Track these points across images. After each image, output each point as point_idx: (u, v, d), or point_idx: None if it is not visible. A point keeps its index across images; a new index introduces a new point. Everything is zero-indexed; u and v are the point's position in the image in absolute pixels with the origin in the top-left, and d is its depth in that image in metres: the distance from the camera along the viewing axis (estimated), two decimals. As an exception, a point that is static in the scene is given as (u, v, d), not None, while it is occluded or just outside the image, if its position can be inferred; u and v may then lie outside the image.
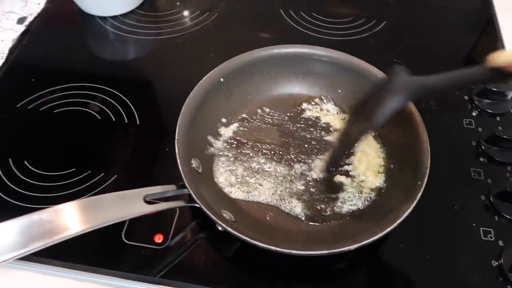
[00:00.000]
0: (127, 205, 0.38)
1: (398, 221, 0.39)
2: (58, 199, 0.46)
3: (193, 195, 0.40)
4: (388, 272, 0.43)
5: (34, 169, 0.49)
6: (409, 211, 0.39)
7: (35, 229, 0.33)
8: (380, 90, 0.40)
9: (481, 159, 0.51)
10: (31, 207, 0.46)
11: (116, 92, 0.57)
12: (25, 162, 0.50)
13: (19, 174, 0.49)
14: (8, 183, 0.48)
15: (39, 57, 0.63)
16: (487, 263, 0.43)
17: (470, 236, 0.45)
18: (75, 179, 0.49)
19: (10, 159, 0.50)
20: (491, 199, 0.47)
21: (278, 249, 0.38)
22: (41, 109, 0.55)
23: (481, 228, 0.45)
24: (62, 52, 0.64)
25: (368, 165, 0.49)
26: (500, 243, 0.44)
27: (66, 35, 0.66)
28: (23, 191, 0.47)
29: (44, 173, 0.49)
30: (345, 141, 0.46)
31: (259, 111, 0.54)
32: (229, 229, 0.39)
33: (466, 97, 0.56)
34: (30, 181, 0.48)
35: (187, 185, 0.41)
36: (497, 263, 0.43)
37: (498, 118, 0.54)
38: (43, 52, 0.64)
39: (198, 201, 0.40)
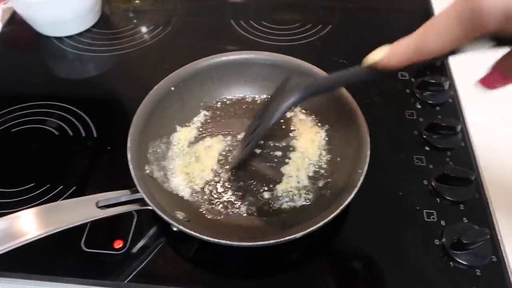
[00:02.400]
0: (80, 210, 0.39)
1: (341, 208, 0.41)
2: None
3: (145, 197, 0.42)
4: (341, 256, 0.45)
5: (-8, 187, 0.50)
6: (350, 197, 0.41)
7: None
8: (276, 96, 0.44)
9: (423, 147, 0.54)
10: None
11: (73, 108, 0.58)
12: (-17, 180, 0.51)
13: (-23, 193, 0.50)
14: (-34, 202, 0.49)
15: (-3, 80, 0.64)
16: (431, 242, 0.45)
17: (414, 219, 0.47)
18: (35, 193, 0.50)
19: (-32, 180, 0.51)
20: (433, 183, 0.50)
21: (228, 242, 0.39)
22: (-1, 129, 0.56)
23: (424, 211, 0.48)
24: (19, 73, 0.65)
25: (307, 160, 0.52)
26: (442, 223, 0.47)
27: (23, 57, 0.68)
28: (-19, 209, 0.48)
29: (3, 190, 0.50)
30: (248, 141, 0.49)
31: (212, 115, 0.56)
32: (181, 227, 0.40)
33: (407, 90, 0.60)
34: (-11, 198, 0.49)
35: (139, 189, 0.42)
36: (440, 242, 0.45)
37: (437, 108, 0.58)
38: (1, 74, 0.65)
39: (150, 203, 0.41)
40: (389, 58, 0.31)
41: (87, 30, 0.70)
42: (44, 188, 0.50)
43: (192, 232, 0.40)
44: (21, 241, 0.35)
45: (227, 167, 0.51)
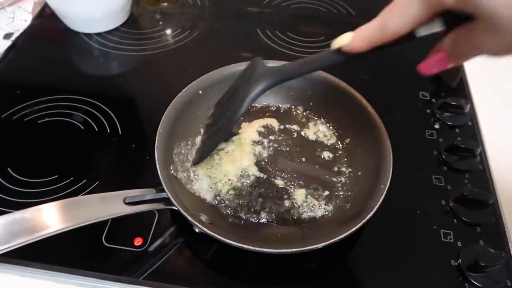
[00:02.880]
0: (107, 205, 0.40)
1: (362, 222, 0.41)
2: (41, 204, 0.47)
3: (171, 197, 0.42)
4: (356, 271, 0.46)
5: (17, 176, 0.51)
6: (372, 212, 0.42)
7: (17, 226, 0.34)
8: (242, 82, 0.44)
9: (442, 167, 0.55)
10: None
11: (100, 104, 0.59)
12: (9, 169, 0.51)
13: (2, 181, 0.50)
14: (-9, 189, 0.49)
15: (25, 71, 0.65)
16: (447, 263, 0.46)
17: (431, 238, 0.48)
18: (58, 185, 0.50)
19: (-7, 167, 0.52)
20: (451, 204, 0.50)
21: (250, 247, 0.40)
22: (25, 120, 0.57)
23: (441, 231, 0.48)
24: (47, 66, 0.66)
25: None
26: (459, 244, 0.47)
27: (51, 51, 0.69)
28: (6, 197, 0.49)
29: (28, 179, 0.51)
30: (214, 133, 0.48)
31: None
32: (205, 229, 0.41)
33: (428, 110, 0.61)
34: (14, 187, 0.50)
35: (165, 188, 0.43)
36: (456, 263, 0.46)
37: (457, 130, 0.59)
38: (29, 66, 0.66)
39: (176, 204, 0.42)
40: (354, 40, 0.33)
41: (116, 29, 0.71)
42: (68, 181, 0.51)
43: (216, 235, 0.40)
44: (48, 233, 0.35)
45: (249, 172, 0.52)
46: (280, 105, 0.59)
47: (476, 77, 0.67)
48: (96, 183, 0.51)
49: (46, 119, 0.58)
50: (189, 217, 0.41)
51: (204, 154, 0.50)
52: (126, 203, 0.41)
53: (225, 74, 0.56)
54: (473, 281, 0.44)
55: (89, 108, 0.59)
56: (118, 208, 0.40)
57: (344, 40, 0.34)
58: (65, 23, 0.70)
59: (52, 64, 0.67)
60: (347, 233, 0.41)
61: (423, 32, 0.31)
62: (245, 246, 0.40)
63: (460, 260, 0.46)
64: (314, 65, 0.40)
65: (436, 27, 0.31)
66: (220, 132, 0.47)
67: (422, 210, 0.50)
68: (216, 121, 0.49)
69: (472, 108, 0.62)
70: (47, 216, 0.36)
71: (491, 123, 0.60)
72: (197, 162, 0.51)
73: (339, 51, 0.35)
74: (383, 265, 0.46)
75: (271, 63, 0.48)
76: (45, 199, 0.49)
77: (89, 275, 0.44)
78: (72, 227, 0.36)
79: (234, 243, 0.40)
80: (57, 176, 0.51)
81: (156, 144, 0.47)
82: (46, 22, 0.73)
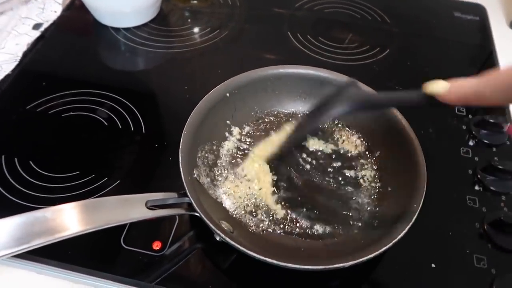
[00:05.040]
0: (129, 208, 0.39)
1: (393, 242, 0.39)
2: (60, 200, 0.46)
3: (194, 203, 0.41)
4: (381, 291, 0.44)
5: (38, 170, 0.50)
6: (404, 232, 0.40)
7: (38, 226, 0.33)
8: (332, 98, 0.45)
9: (477, 188, 0.52)
10: (33, 207, 0.46)
11: (124, 101, 0.58)
12: (31, 162, 0.51)
13: (23, 174, 0.50)
14: (13, 182, 0.49)
15: (51, 62, 0.65)
16: (481, 290, 0.43)
17: (463, 263, 0.45)
18: (79, 182, 0.49)
19: (16, 159, 0.51)
20: (485, 227, 0.48)
21: (274, 261, 0.38)
22: (49, 112, 0.57)
23: (474, 255, 0.46)
24: (74, 59, 0.65)
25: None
26: (493, 271, 0.45)
27: (79, 43, 0.68)
28: (26, 191, 0.48)
29: (48, 174, 0.50)
30: (295, 138, 0.50)
31: (262, 126, 0.55)
32: (227, 239, 0.39)
33: (464, 127, 0.58)
34: (34, 181, 0.49)
35: (188, 193, 0.41)
36: (490, 291, 0.43)
37: (494, 149, 0.56)
38: (56, 58, 0.65)
39: (198, 210, 0.41)
40: (450, 94, 0.34)
41: (144, 24, 0.70)
42: (89, 178, 0.50)
43: (239, 246, 0.39)
44: (69, 234, 0.34)
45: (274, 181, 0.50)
46: (308, 112, 0.57)
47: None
48: (117, 182, 0.49)
49: (71, 113, 0.57)
50: (211, 225, 0.40)
51: (279, 156, 0.50)
52: (148, 207, 0.40)
53: (253, 77, 0.54)
54: (509, 313, 0.42)
55: (113, 104, 0.58)
56: (140, 212, 0.39)
57: (439, 88, 0.34)
58: (95, 16, 0.70)
59: (79, 57, 0.66)
60: (376, 253, 0.39)
61: None
62: (269, 260, 0.38)
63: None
64: (398, 101, 0.41)
65: None
66: (297, 137, 0.49)
67: (454, 232, 0.48)
68: (297, 130, 0.50)
69: None
70: (68, 216, 0.35)
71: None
72: (270, 159, 0.51)
73: (430, 96, 0.35)
74: (410, 286, 0.44)
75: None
76: (65, 195, 0.48)
77: (106, 277, 0.43)
78: (93, 229, 0.35)
79: (257, 256, 0.38)
80: (78, 172, 0.50)
81: (180, 147, 0.45)
82: (76, 14, 0.72)
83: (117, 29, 0.70)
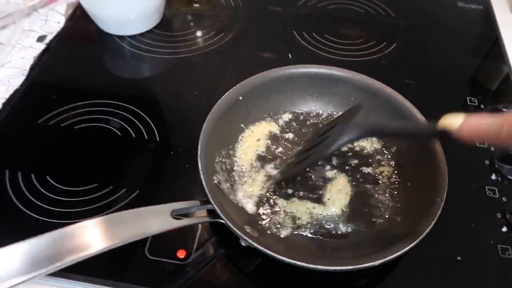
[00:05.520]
0: (155, 220, 0.38)
1: (420, 237, 0.39)
2: (80, 214, 0.47)
3: (218, 210, 0.41)
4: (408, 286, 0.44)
5: (56, 184, 0.50)
6: (430, 227, 0.40)
7: (68, 243, 0.33)
8: (341, 124, 0.45)
9: (494, 177, 0.52)
10: (54, 222, 0.46)
11: (136, 109, 0.58)
12: (47, 177, 0.50)
13: (41, 189, 0.49)
14: (31, 197, 0.48)
15: (59, 74, 0.64)
16: (506, 280, 0.43)
17: (488, 254, 0.45)
18: (97, 194, 0.49)
19: (32, 174, 0.50)
20: (507, 217, 0.48)
21: (301, 263, 0.38)
22: (62, 125, 0.56)
23: (499, 246, 0.46)
24: (81, 69, 0.65)
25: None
26: (518, 260, 0.45)
27: (85, 53, 0.68)
28: (46, 206, 0.47)
29: (66, 188, 0.49)
30: (298, 166, 0.48)
31: (277, 129, 0.55)
32: (254, 244, 0.39)
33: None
34: (53, 196, 0.49)
35: (211, 200, 0.41)
36: (516, 281, 0.43)
37: None
38: (63, 69, 0.65)
39: (224, 217, 0.40)
40: (464, 131, 0.32)
41: (149, 31, 0.70)
42: (107, 190, 0.49)
43: (266, 250, 0.39)
44: (100, 249, 0.34)
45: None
46: (321, 112, 0.57)
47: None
48: (137, 192, 0.49)
49: (83, 124, 0.56)
50: (237, 231, 0.40)
51: (289, 176, 0.50)
52: (173, 217, 0.40)
53: (265, 79, 0.54)
54: (537, 301, 0.42)
55: (125, 114, 0.57)
56: (167, 223, 0.39)
57: (453, 124, 0.33)
58: (98, 25, 0.69)
59: (86, 67, 0.65)
60: (404, 250, 0.39)
61: None
62: (297, 263, 0.38)
63: (521, 278, 0.43)
64: (412, 133, 0.41)
65: None
66: (307, 161, 0.47)
67: (476, 224, 0.48)
68: (308, 150, 0.49)
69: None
70: (98, 231, 0.35)
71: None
72: (279, 181, 0.50)
73: (444, 131, 0.34)
74: (436, 283, 0.44)
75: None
76: (85, 208, 0.47)
77: (133, 288, 0.43)
78: (122, 243, 0.35)
79: (284, 258, 0.38)
80: (96, 184, 0.50)
81: (199, 154, 0.45)
82: (79, 24, 0.72)
83: (121, 37, 0.69)
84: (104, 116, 0.57)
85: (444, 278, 0.44)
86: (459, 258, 0.45)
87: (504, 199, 0.50)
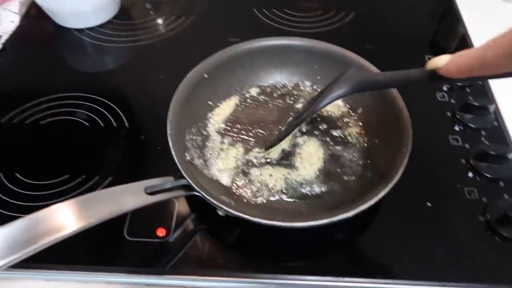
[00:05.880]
0: (129, 197, 0.39)
1: (391, 185, 0.41)
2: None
3: (192, 183, 0.41)
4: (384, 237, 0.45)
5: (27, 180, 0.49)
6: (399, 175, 0.41)
7: (42, 226, 0.33)
8: (333, 81, 0.44)
9: (457, 128, 0.54)
10: (29, 216, 0.45)
11: (102, 99, 0.57)
12: (17, 174, 0.50)
13: (12, 187, 0.48)
14: (3, 196, 0.47)
15: (19, 73, 0.63)
16: (475, 219, 0.46)
17: (456, 197, 0.48)
18: (70, 185, 0.49)
19: (0, 173, 0.50)
20: (471, 161, 0.50)
21: (279, 223, 0.39)
22: (26, 122, 0.55)
23: (465, 188, 0.48)
24: (42, 66, 0.64)
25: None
26: (484, 199, 0.47)
27: (44, 50, 0.67)
28: (19, 203, 0.47)
29: (38, 182, 0.49)
30: (295, 122, 0.49)
31: (243, 102, 0.56)
32: (231, 210, 0.40)
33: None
34: (24, 191, 0.48)
35: (184, 175, 0.42)
36: (484, 219, 0.46)
37: (468, 89, 0.58)
38: (22, 68, 0.64)
39: (197, 188, 0.41)
40: (450, 66, 0.32)
41: (108, 22, 0.69)
42: (80, 179, 0.49)
43: (243, 215, 0.39)
44: (75, 229, 0.34)
45: (262, 151, 0.51)
46: (287, 83, 0.58)
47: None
48: (110, 179, 0.49)
49: (48, 119, 0.56)
50: (213, 200, 0.40)
51: (278, 139, 0.50)
52: (147, 193, 0.40)
53: (229, 56, 0.54)
54: (503, 234, 0.44)
55: (91, 104, 0.57)
56: (141, 199, 0.39)
57: (440, 62, 0.33)
58: (55, 20, 0.68)
59: (47, 63, 0.64)
60: (376, 198, 0.40)
61: None
62: (274, 223, 0.39)
63: (488, 215, 0.45)
64: (403, 80, 0.39)
65: None
66: (295, 123, 0.48)
67: (443, 171, 0.50)
68: (298, 117, 0.49)
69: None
70: (71, 213, 0.35)
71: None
72: (270, 146, 0.50)
73: (433, 72, 0.34)
74: (411, 229, 0.45)
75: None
76: (60, 199, 0.47)
77: (117, 270, 0.42)
78: (98, 222, 0.35)
79: (262, 221, 0.39)
80: (68, 176, 0.49)
81: (168, 132, 0.45)
82: (35, 22, 0.70)
83: (80, 30, 0.68)
84: (69, 109, 0.57)
85: (417, 224, 0.46)
86: (429, 204, 0.47)
87: (467, 145, 0.52)
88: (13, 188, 0.48)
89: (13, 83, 0.61)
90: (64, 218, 0.34)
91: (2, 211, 0.46)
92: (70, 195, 0.48)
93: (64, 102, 0.57)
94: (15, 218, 0.43)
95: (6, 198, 0.47)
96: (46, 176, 0.50)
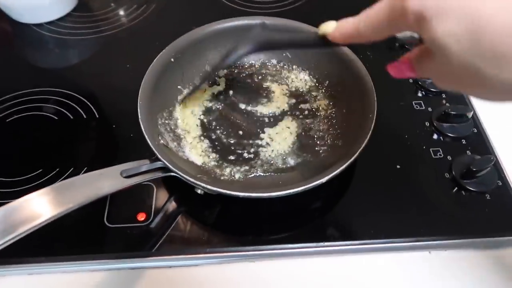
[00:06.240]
0: (105, 181, 0.39)
1: (359, 150, 0.42)
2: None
3: (168, 164, 0.41)
4: (359, 202, 0.47)
5: (-1, 178, 0.48)
6: (366, 140, 0.43)
7: (18, 215, 0.33)
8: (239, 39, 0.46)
9: (420, 94, 0.57)
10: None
11: (69, 92, 0.57)
12: (-13, 173, 0.49)
13: (-17, 186, 0.48)
14: (-26, 196, 0.47)
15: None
16: (442, 176, 0.48)
17: (423, 158, 0.50)
18: (44, 178, 0.48)
19: (-31, 174, 0.49)
20: (434, 123, 0.53)
21: (258, 194, 0.40)
22: (-8, 121, 0.54)
23: (430, 149, 0.51)
24: (2, 64, 0.62)
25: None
26: (449, 158, 0.50)
27: (4, 47, 0.65)
28: (-8, 200, 0.46)
29: (11, 179, 0.48)
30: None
31: (210, 83, 0.56)
32: (208, 186, 0.40)
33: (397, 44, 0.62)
34: (-2, 189, 0.47)
35: (159, 156, 0.42)
36: (450, 175, 0.48)
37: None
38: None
39: (174, 169, 0.41)
40: (335, 33, 0.35)
41: (68, 15, 0.68)
42: (54, 172, 0.49)
43: (221, 190, 0.40)
44: (53, 215, 0.34)
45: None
46: (253, 62, 0.59)
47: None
48: (85, 169, 0.49)
49: (14, 116, 0.54)
50: (190, 179, 0.41)
51: (192, 91, 0.53)
52: (124, 177, 0.40)
53: (194, 38, 0.54)
54: (469, 188, 0.47)
55: (58, 98, 0.56)
56: (117, 183, 0.39)
57: (328, 29, 0.35)
58: (11, 16, 0.66)
59: (6, 61, 0.63)
60: (348, 162, 0.42)
61: (401, 36, 0.31)
62: (253, 194, 0.40)
63: (453, 172, 0.48)
64: (300, 42, 0.42)
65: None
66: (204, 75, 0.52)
67: (409, 134, 0.52)
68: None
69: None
70: (47, 200, 0.35)
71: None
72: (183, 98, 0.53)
73: (323, 36, 0.36)
74: (383, 191, 0.48)
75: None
76: (34, 194, 0.47)
77: (100, 257, 0.43)
78: (76, 207, 0.35)
79: (241, 194, 0.40)
80: (41, 170, 0.49)
81: (140, 117, 0.45)
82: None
83: (39, 25, 0.66)
84: (36, 104, 0.56)
85: (389, 185, 0.48)
86: (398, 166, 0.49)
87: (429, 109, 0.55)
88: (-15, 187, 0.47)
89: (-26, 84, 0.59)
90: (41, 205, 0.34)
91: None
92: (46, 189, 0.47)
93: (29, 98, 0.56)
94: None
95: (-22, 198, 0.46)
96: (19, 172, 0.49)
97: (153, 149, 0.43)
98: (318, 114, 0.53)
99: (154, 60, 0.51)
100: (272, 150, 0.50)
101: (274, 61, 0.59)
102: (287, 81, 0.57)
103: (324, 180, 0.41)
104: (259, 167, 0.49)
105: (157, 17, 0.68)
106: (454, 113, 0.52)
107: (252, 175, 0.48)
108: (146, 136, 0.44)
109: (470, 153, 0.50)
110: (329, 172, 0.41)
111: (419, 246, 0.44)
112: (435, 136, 0.52)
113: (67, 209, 0.35)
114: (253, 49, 0.44)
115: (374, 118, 0.45)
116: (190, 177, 0.41)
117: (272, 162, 0.49)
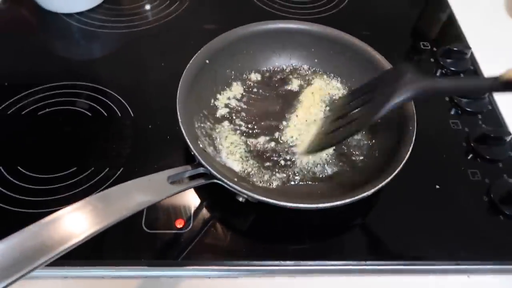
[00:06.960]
0: (154, 188, 0.37)
1: (403, 162, 0.42)
2: (64, 200, 0.44)
3: (213, 171, 0.41)
4: (394, 219, 0.47)
5: (31, 174, 0.47)
6: (409, 152, 0.43)
7: (59, 229, 0.31)
8: (387, 84, 0.42)
9: (456, 112, 0.56)
10: (38, 212, 0.43)
11: (103, 88, 0.55)
12: (19, 167, 0.47)
13: (15, 181, 0.46)
14: (6, 192, 0.45)
15: (7, 61, 0.59)
16: (480, 199, 0.48)
17: (461, 179, 0.50)
18: (79, 178, 0.47)
19: (1, 168, 0.47)
20: (472, 144, 0.53)
21: (307, 205, 0.39)
22: (23, 113, 0.52)
23: (469, 170, 0.50)
24: (31, 53, 0.60)
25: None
26: (487, 180, 0.50)
27: (32, 36, 0.63)
28: (26, 198, 0.45)
29: (43, 176, 0.47)
30: (334, 127, 0.47)
31: (244, 87, 0.55)
32: (251, 194, 0.40)
33: (432, 59, 0.62)
34: (31, 186, 0.46)
35: (203, 162, 0.41)
36: (487, 198, 0.48)
37: (461, 75, 0.61)
38: (10, 55, 0.60)
39: (219, 176, 0.40)
40: None
41: (98, 6, 0.66)
42: (89, 171, 0.47)
43: (265, 199, 0.39)
44: (103, 226, 0.33)
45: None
46: (285, 67, 0.58)
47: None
48: (121, 170, 0.47)
49: (47, 109, 0.53)
50: (234, 185, 0.40)
51: (328, 144, 0.48)
52: (169, 183, 0.39)
53: (229, 40, 0.54)
54: (506, 212, 0.47)
55: (92, 93, 0.55)
56: (166, 189, 0.38)
57: None
58: (41, 4, 0.64)
59: (36, 50, 0.61)
60: (391, 176, 0.41)
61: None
62: (302, 206, 0.39)
63: (492, 195, 0.48)
64: (472, 88, 0.40)
65: None
66: (352, 125, 0.45)
67: (447, 154, 0.52)
68: (341, 117, 0.47)
69: (472, 55, 0.64)
70: (94, 211, 0.33)
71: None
72: (313, 151, 0.49)
73: (507, 82, 0.35)
74: (419, 210, 0.47)
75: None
76: (69, 193, 0.45)
77: (137, 263, 0.42)
78: (129, 215, 0.34)
79: (290, 204, 0.39)
80: (75, 168, 0.47)
81: (180, 120, 0.44)
82: (17, 6, 0.66)
83: (69, 15, 0.64)
84: (68, 98, 0.54)
85: (424, 204, 0.48)
86: (437, 186, 0.49)
87: (466, 129, 0.54)
88: (17, 182, 0.46)
89: (3, 72, 0.57)
90: (86, 218, 0.33)
91: (6, 207, 0.44)
92: (81, 188, 0.46)
93: (60, 91, 0.55)
94: (20, 213, 0.43)
95: (9, 193, 0.45)
96: (52, 169, 0.47)
97: (197, 154, 0.42)
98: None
99: (190, 62, 0.49)
100: (310, 158, 0.50)
101: (305, 66, 0.58)
102: (319, 88, 0.56)
103: (369, 193, 0.40)
104: (296, 175, 0.48)
105: (190, 15, 0.67)
106: (493, 135, 0.52)
107: (290, 183, 0.47)
108: (188, 141, 0.42)
109: (506, 176, 0.50)
110: (369, 188, 0.40)
111: (458, 270, 0.44)
112: (471, 157, 0.52)
113: (122, 217, 0.34)
114: (411, 98, 0.40)
115: (415, 131, 0.45)
116: (233, 183, 0.40)
117: (309, 170, 0.48)
